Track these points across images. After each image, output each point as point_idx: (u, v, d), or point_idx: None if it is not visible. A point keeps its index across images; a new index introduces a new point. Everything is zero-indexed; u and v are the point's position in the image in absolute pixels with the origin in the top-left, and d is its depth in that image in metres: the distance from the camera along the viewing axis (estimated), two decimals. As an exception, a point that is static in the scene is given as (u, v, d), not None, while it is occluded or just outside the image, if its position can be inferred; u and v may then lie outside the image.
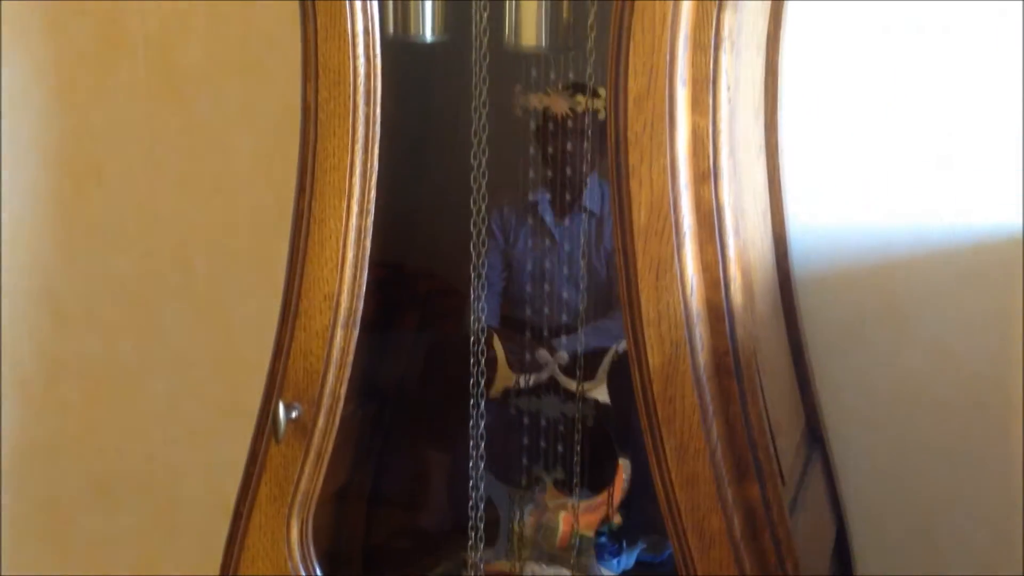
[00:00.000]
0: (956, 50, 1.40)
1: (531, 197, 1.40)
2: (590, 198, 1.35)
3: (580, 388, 1.36)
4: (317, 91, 1.20)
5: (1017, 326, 1.42)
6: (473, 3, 1.27)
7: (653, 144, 1.10)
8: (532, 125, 1.35)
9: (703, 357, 1.13)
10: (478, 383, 1.36)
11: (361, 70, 1.18)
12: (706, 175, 1.12)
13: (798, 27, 1.42)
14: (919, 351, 1.47)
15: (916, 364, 1.47)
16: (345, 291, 1.24)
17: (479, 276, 1.34)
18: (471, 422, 1.35)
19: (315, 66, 1.20)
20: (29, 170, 1.80)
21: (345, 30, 1.18)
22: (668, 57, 1.08)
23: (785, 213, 1.43)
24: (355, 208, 1.22)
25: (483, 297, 1.35)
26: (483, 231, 1.32)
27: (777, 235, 1.43)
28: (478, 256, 1.33)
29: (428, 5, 1.28)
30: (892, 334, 1.47)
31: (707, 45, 1.09)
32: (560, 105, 1.33)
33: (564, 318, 1.39)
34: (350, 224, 1.22)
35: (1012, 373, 1.44)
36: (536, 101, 1.34)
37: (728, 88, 1.11)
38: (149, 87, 1.74)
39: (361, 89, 1.19)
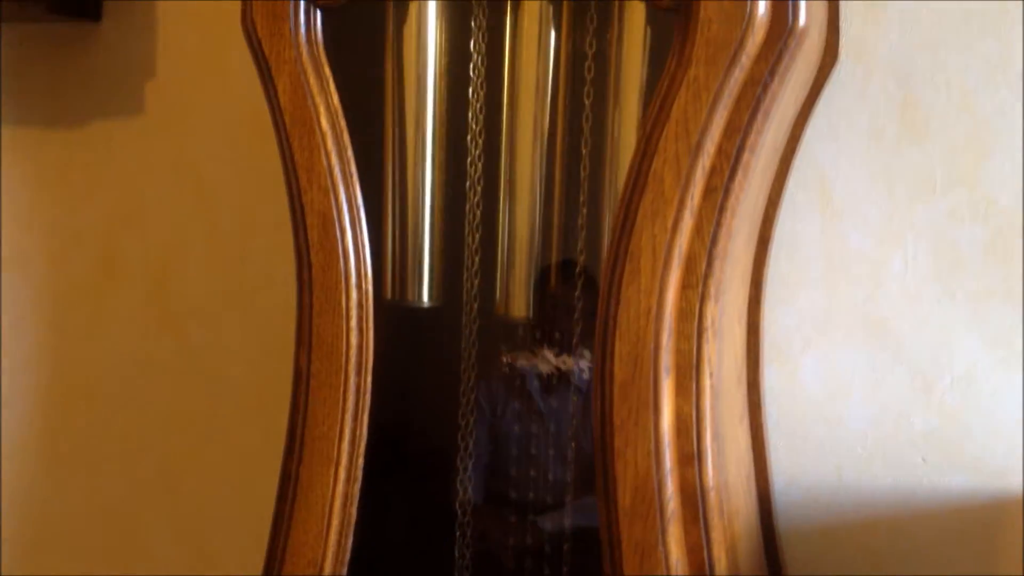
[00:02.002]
0: (947, 298, 1.43)
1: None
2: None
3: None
4: (310, 360, 1.23)
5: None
6: (464, 272, 1.32)
7: (638, 429, 1.12)
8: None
9: (687, 641, 1.13)
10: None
11: (354, 342, 1.21)
12: (690, 458, 1.14)
13: (778, 288, 1.46)
14: (906, 612, 1.46)
15: (903, 626, 1.46)
16: (329, 557, 1.24)
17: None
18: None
19: (308, 335, 1.23)
20: (21, 392, 1.82)
21: (339, 304, 1.21)
22: (652, 347, 1.11)
23: (769, 470, 1.45)
24: (343, 475, 1.23)
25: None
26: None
27: (761, 493, 1.44)
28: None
29: (426, 273, 1.32)
30: (878, 593, 1.47)
31: (691, 334, 1.12)
32: (546, 364, 1.36)
33: (549, 493, 1.39)
34: (337, 491, 1.23)
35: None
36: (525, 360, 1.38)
37: (711, 374, 1.14)
38: (145, 317, 1.77)
39: (353, 361, 1.22)
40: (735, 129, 1.08)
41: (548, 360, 1.36)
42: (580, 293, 1.31)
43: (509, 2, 1.24)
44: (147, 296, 1.77)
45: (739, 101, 1.07)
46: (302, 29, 1.18)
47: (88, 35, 1.74)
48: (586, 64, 1.25)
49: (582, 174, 1.28)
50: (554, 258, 1.32)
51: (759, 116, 1.08)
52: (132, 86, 1.74)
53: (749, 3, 1.03)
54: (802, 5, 1.05)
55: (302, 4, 1.18)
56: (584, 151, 1.27)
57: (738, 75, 1.06)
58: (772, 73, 1.06)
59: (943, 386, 1.43)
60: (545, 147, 1.27)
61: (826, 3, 1.36)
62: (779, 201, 1.41)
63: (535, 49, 1.24)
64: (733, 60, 1.05)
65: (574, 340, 1.33)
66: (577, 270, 1.31)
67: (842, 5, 1.38)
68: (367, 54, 1.30)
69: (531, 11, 1.23)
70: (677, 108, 1.07)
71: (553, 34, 1.25)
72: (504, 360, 1.37)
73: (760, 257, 1.41)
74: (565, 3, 1.23)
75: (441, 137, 1.29)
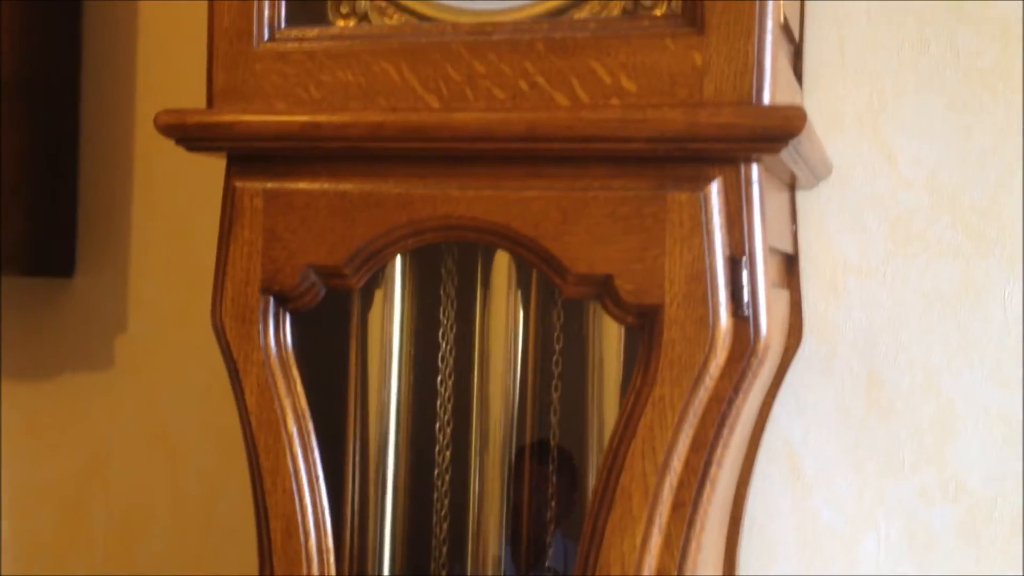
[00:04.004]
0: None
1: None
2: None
3: None
4: (271, 663, 1.20)
5: None
6: (432, 563, 1.30)
7: None
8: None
9: None
10: None
11: (315, 645, 1.18)
12: None
13: (752, 565, 1.45)
14: None
15: None
16: None
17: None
18: None
19: (270, 636, 1.20)
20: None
21: (301, 604, 1.18)
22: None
23: None
24: None
25: None
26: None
27: None
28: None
29: (386, 565, 1.29)
30: None
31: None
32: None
33: None
34: None
35: None
36: None
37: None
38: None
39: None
40: (701, 444, 1.08)
41: None
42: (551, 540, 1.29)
43: (479, 303, 1.25)
44: (109, 554, 1.73)
45: (704, 418, 1.07)
46: (271, 332, 1.19)
47: (61, 290, 1.75)
48: (553, 359, 1.26)
49: (550, 467, 1.27)
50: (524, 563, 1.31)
51: (725, 431, 1.08)
52: (102, 340, 1.74)
53: (711, 327, 1.05)
54: (763, 324, 1.06)
55: (271, 307, 1.19)
56: (552, 444, 1.27)
57: (703, 394, 1.06)
58: (736, 390, 1.07)
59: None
60: (514, 437, 1.26)
61: (787, 290, 1.39)
62: (749, 479, 1.40)
63: (503, 346, 1.24)
64: (698, 380, 1.06)
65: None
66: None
67: (804, 287, 1.41)
68: (334, 347, 1.30)
69: (498, 309, 1.24)
70: (643, 426, 1.07)
71: (521, 329, 1.26)
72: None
73: (732, 536, 1.40)
74: (533, 303, 1.25)
75: (406, 424, 1.28)
